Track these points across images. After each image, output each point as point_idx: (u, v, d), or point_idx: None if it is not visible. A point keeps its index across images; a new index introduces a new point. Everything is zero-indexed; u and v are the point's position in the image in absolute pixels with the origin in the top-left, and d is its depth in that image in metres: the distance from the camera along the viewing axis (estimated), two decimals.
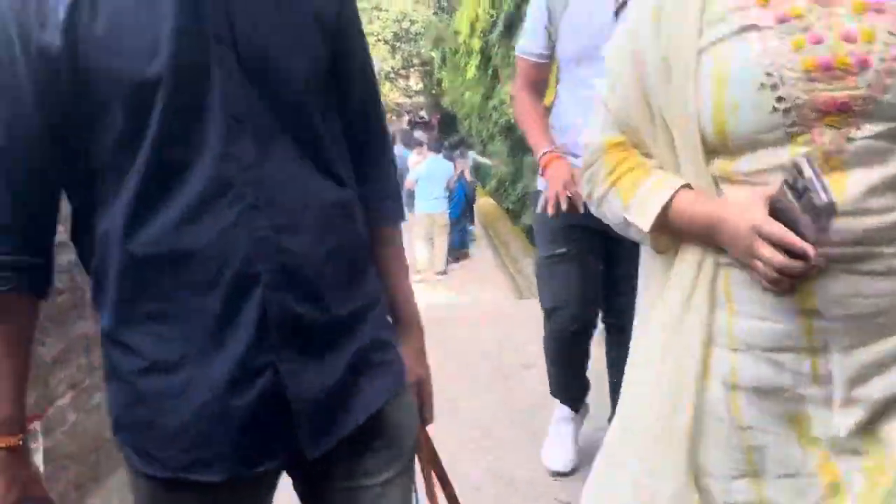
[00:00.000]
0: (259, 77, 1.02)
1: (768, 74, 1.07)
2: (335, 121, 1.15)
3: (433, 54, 16.68)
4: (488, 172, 12.56)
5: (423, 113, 20.83)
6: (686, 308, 1.17)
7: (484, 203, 12.23)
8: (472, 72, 11.13)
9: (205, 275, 1.00)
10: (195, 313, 1.01)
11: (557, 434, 2.78)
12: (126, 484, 1.13)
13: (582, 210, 2.09)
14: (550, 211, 2.20)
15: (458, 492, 1.37)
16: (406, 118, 20.63)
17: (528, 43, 2.49)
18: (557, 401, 2.79)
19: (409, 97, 22.28)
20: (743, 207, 1.10)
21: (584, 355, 2.63)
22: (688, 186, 1.17)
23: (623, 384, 1.32)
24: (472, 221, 11.07)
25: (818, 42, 1.06)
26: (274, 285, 1.02)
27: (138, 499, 1.11)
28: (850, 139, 1.06)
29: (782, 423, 1.14)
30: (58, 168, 1.03)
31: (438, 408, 1.34)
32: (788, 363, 1.12)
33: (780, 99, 1.06)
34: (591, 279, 2.46)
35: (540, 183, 2.49)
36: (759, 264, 1.07)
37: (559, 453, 2.74)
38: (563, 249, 2.43)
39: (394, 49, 20.57)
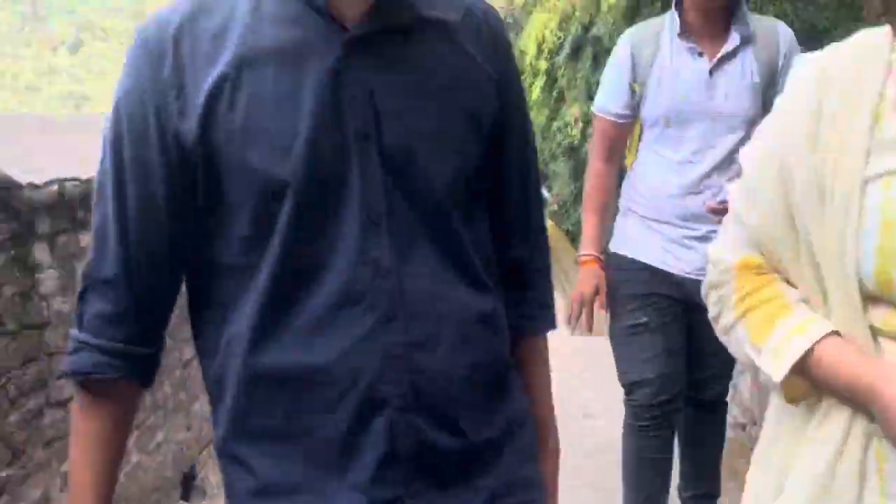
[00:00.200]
0: (401, 177, 0.93)
1: None
2: (482, 220, 1.04)
3: None
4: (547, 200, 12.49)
5: None
6: (829, 479, 0.98)
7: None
8: (537, 92, 11.10)
9: (330, 393, 0.92)
10: (316, 435, 0.93)
11: None
12: None
13: (591, 332, 2.06)
14: (572, 324, 2.16)
15: None
16: None
17: (609, 101, 2.31)
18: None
19: None
20: None
21: (665, 470, 2.37)
22: (836, 333, 0.98)
23: None
24: None
25: None
26: (404, 408, 0.92)
27: None
28: None
29: None
30: (180, 258, 0.97)
31: None
32: None
33: None
34: (674, 353, 2.29)
35: (613, 242, 2.39)
36: None
37: None
38: (644, 319, 2.28)
39: None
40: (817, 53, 1.06)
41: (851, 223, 0.94)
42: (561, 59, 9.24)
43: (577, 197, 10.12)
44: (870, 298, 0.96)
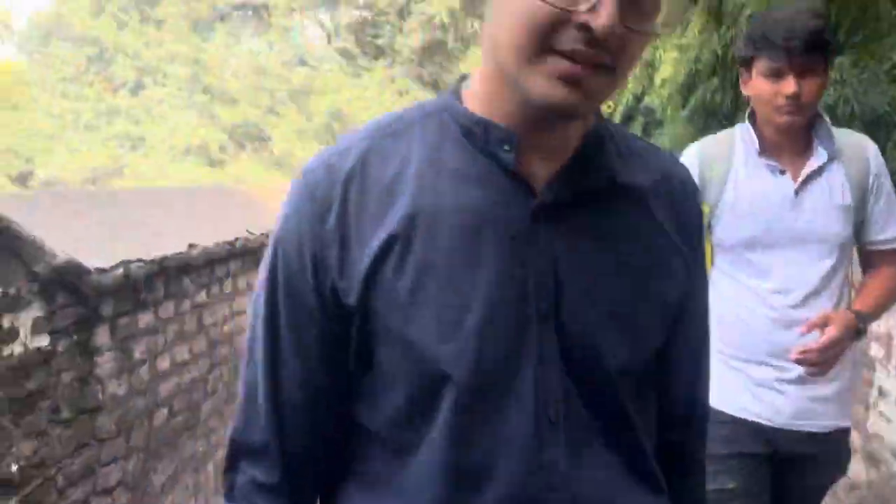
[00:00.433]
0: (579, 366, 0.82)
1: None
2: (651, 412, 0.94)
3: None
4: None
5: None
6: None
7: None
8: None
9: None
10: None
11: None
12: None
13: None
14: None
15: None
16: None
17: None
18: None
19: None
20: None
21: None
22: None
23: None
24: None
25: None
26: None
27: None
28: None
29: None
30: (331, 426, 0.88)
31: None
32: None
33: None
34: None
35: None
36: None
37: None
38: (732, 485, 2.07)
39: None
40: None
41: None
42: None
43: None
44: None
